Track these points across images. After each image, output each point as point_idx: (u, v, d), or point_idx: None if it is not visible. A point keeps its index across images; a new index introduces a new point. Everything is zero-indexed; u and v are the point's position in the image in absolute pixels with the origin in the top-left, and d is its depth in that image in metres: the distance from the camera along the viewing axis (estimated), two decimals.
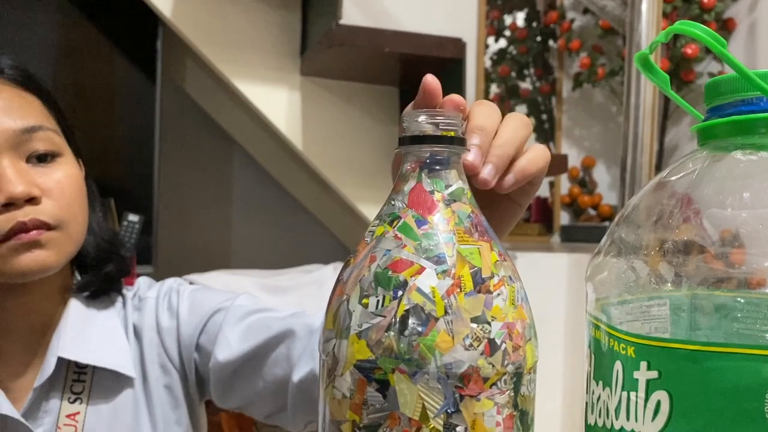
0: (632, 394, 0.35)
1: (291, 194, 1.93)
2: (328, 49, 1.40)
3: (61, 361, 0.68)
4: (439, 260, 0.30)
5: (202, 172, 1.91)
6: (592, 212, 2.22)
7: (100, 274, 0.72)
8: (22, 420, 0.66)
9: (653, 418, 0.34)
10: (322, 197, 1.87)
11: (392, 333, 0.29)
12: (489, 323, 0.30)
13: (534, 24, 2.32)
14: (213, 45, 1.53)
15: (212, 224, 1.91)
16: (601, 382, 0.38)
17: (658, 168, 1.72)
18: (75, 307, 0.71)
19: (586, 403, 0.41)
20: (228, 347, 0.70)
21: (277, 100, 1.57)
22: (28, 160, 0.63)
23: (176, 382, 0.74)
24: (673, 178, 0.38)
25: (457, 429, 0.29)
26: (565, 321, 1.44)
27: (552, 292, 1.43)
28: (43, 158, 0.64)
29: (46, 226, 0.62)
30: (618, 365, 0.36)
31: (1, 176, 0.60)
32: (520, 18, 2.32)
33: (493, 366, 0.30)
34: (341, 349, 0.31)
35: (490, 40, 2.27)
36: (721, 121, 0.37)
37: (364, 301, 0.31)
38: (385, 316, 0.30)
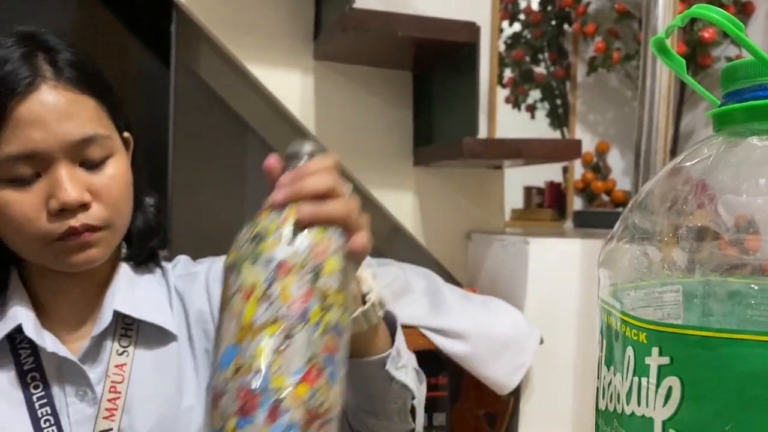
0: (644, 380, 0.35)
1: None
2: (341, 33, 1.40)
3: (114, 316, 0.75)
4: (274, 208, 0.52)
5: (216, 155, 1.92)
6: (605, 198, 2.21)
7: (145, 248, 0.80)
8: (79, 363, 0.73)
9: (664, 404, 0.34)
10: None
11: (248, 243, 0.50)
12: (298, 238, 0.50)
13: (549, 8, 2.30)
14: (226, 29, 1.52)
15: (225, 208, 1.92)
16: (612, 368, 0.38)
17: (673, 153, 1.71)
18: (124, 271, 0.78)
19: (598, 388, 0.41)
20: None
21: (291, 84, 1.57)
22: (81, 163, 0.68)
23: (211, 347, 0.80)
24: (688, 163, 0.38)
25: (274, 291, 0.47)
26: (578, 307, 1.43)
27: (565, 278, 1.42)
28: (95, 163, 0.69)
29: (95, 229, 0.68)
30: (630, 351, 0.36)
31: (58, 183, 0.66)
32: (535, 2, 2.30)
33: (297, 257, 0.48)
34: (228, 260, 0.51)
35: (505, 24, 2.25)
36: (738, 106, 0.37)
37: (241, 232, 0.52)
38: (246, 236, 0.51)
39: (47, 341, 0.73)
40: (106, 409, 0.75)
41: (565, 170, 2.25)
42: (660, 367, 0.33)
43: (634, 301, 0.37)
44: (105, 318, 0.75)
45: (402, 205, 1.61)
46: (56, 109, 0.66)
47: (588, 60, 2.21)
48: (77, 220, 0.66)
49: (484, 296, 1.44)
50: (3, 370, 0.74)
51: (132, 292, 0.78)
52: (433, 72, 1.61)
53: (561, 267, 1.42)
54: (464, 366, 1.31)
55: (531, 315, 1.39)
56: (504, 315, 1.36)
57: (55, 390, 0.75)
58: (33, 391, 0.73)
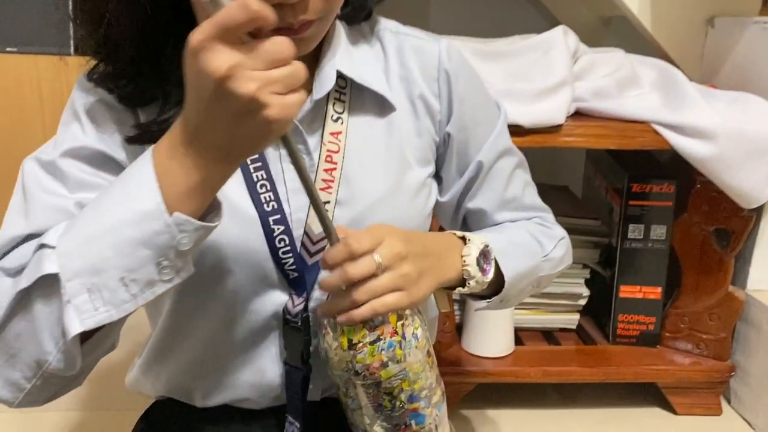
0: None
1: None
2: None
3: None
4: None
5: None
6: None
7: (365, 7, 0.73)
8: (299, 125, 0.68)
9: None
10: None
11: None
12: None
13: None
14: None
15: None
16: None
17: None
18: (341, 30, 0.71)
19: None
20: (449, 188, 0.80)
21: None
22: None
23: (432, 133, 0.76)
24: None
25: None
26: None
27: None
28: None
29: (312, 23, 0.61)
30: None
31: None
32: None
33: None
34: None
35: None
36: None
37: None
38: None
39: None
40: (323, 180, 0.69)
41: None
42: None
43: None
44: (328, 78, 0.68)
45: None
46: None
47: None
48: (295, 17, 0.58)
49: (733, 92, 1.17)
50: None
51: (349, 55, 0.71)
52: None
53: None
54: (705, 171, 1.09)
55: None
56: (762, 113, 1.10)
57: (270, 155, 0.69)
58: None
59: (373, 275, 0.59)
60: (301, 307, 0.69)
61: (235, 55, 0.46)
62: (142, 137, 0.64)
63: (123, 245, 0.52)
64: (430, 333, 0.67)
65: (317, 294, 0.69)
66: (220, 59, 0.46)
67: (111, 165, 0.66)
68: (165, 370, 0.74)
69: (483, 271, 0.69)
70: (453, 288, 0.70)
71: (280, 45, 0.48)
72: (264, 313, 0.69)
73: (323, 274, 0.63)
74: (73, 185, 0.64)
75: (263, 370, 0.72)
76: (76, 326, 0.52)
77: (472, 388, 1.21)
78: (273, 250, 0.67)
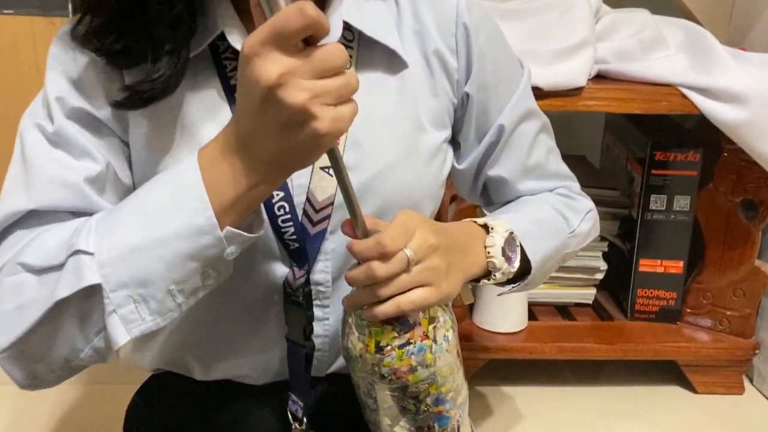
0: None
1: None
2: None
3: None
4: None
5: None
6: None
7: None
8: None
9: None
10: None
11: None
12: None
13: None
14: None
15: None
16: None
17: None
18: None
19: None
20: (467, 155, 0.74)
21: None
22: None
23: (450, 93, 0.71)
24: None
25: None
26: None
27: None
28: None
29: None
30: None
31: None
32: None
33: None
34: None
35: None
36: None
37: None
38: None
39: None
40: None
41: None
42: None
43: None
44: (333, 30, 0.62)
45: None
46: None
47: None
48: None
49: (766, 54, 1.10)
50: (207, 85, 0.62)
51: (358, 4, 0.65)
52: None
53: None
54: (735, 137, 1.03)
55: None
56: None
57: None
58: None
59: (403, 272, 0.54)
60: (302, 280, 0.64)
61: (287, 62, 0.44)
62: (130, 100, 0.58)
63: (172, 258, 0.52)
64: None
65: (320, 266, 0.65)
66: (272, 66, 0.44)
67: (101, 127, 0.61)
68: (160, 342, 0.70)
69: (508, 260, 0.65)
70: (478, 280, 0.65)
71: (333, 53, 0.45)
72: (263, 286, 0.65)
73: (340, 246, 0.60)
74: (77, 151, 0.59)
75: (263, 347, 0.67)
76: (123, 336, 0.52)
77: (484, 363, 1.17)
78: (272, 218, 0.62)
